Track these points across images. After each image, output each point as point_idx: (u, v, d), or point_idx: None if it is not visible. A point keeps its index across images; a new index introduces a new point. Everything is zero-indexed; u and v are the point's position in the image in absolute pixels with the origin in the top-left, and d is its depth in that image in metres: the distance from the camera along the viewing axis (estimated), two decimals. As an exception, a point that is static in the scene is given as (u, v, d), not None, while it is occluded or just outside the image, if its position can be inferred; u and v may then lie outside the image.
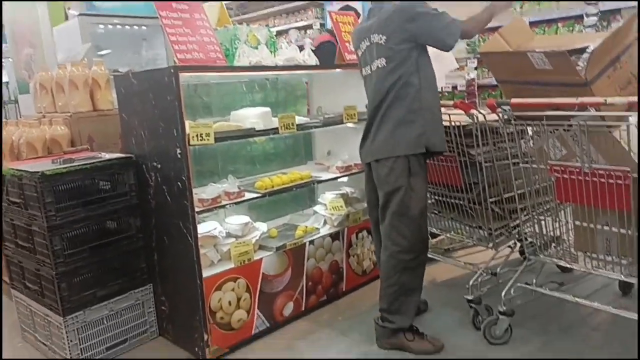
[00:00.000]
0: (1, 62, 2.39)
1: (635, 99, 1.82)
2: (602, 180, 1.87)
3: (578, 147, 1.94)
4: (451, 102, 2.35)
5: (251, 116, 2.60)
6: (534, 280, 2.26)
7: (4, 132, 2.96)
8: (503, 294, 2.24)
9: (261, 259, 2.47)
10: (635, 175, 1.80)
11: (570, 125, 1.92)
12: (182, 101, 2.17)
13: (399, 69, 2.14)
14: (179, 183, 2.25)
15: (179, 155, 2.21)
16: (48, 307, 2.32)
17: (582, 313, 2.45)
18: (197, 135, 2.24)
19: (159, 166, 2.37)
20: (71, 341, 2.24)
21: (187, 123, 2.23)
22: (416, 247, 2.22)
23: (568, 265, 2.16)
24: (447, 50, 2.15)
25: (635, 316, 1.88)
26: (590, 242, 2.06)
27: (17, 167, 2.35)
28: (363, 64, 2.32)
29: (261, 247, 2.57)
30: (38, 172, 2.16)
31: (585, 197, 1.93)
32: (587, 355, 2.16)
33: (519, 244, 2.62)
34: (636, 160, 1.81)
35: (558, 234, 2.19)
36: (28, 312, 2.53)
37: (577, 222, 2.07)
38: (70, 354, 2.24)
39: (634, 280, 1.95)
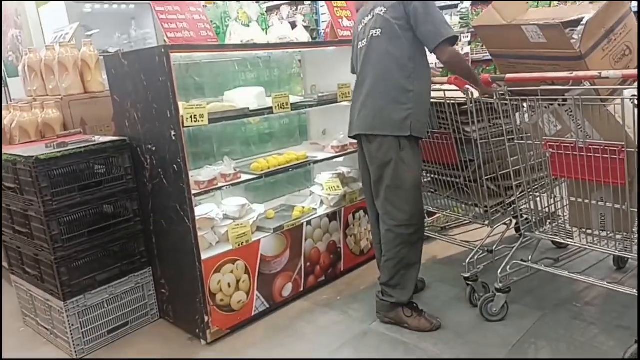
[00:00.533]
0: (2, 58, 2.40)
1: (630, 71, 1.86)
2: (597, 155, 1.91)
3: (573, 122, 1.97)
4: (445, 79, 2.37)
5: (245, 96, 2.63)
6: (530, 257, 2.32)
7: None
8: (499, 271, 2.31)
9: (259, 240, 2.53)
10: (631, 149, 1.84)
11: (565, 100, 1.94)
12: (175, 82, 2.19)
13: (394, 44, 2.17)
14: (174, 166, 2.28)
15: (173, 138, 2.24)
16: (48, 292, 2.38)
17: (577, 288, 2.53)
18: (191, 117, 2.27)
19: (154, 149, 2.40)
20: (72, 325, 2.31)
21: (180, 104, 2.25)
22: (414, 220, 2.27)
23: (563, 242, 2.21)
24: (430, 48, 2.14)
25: (632, 291, 1.94)
26: (585, 217, 2.11)
27: (11, 151, 2.39)
28: (360, 37, 2.33)
29: (259, 229, 2.63)
30: (32, 156, 2.19)
31: (580, 172, 1.98)
32: (581, 329, 2.24)
33: (514, 221, 2.68)
34: (631, 135, 1.84)
35: (553, 210, 2.24)
36: (28, 297, 2.60)
37: (572, 198, 2.11)
38: (72, 337, 2.32)
39: (629, 255, 2.01)
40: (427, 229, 3.08)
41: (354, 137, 2.39)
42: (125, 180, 2.50)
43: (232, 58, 2.99)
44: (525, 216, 2.38)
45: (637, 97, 1.72)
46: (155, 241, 2.56)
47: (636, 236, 1.98)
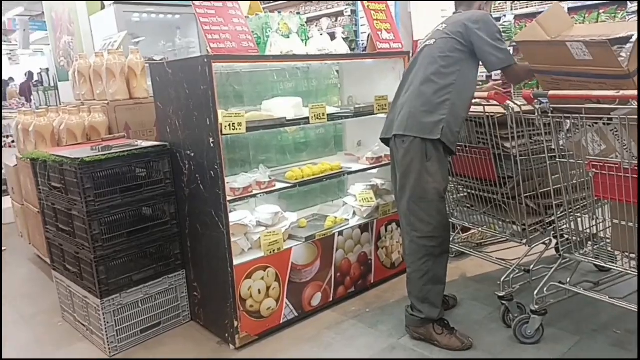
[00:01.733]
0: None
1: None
2: (643, 177, 1.84)
3: (618, 142, 1.90)
4: (486, 94, 2.34)
5: (282, 106, 2.67)
6: (568, 279, 2.24)
7: (45, 119, 3.13)
8: (536, 292, 2.24)
9: (290, 248, 2.55)
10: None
11: (611, 119, 1.88)
12: (215, 91, 2.25)
13: (443, 53, 2.22)
14: (211, 172, 2.33)
15: (212, 145, 2.29)
16: (87, 289, 2.47)
17: (617, 314, 2.42)
18: (229, 125, 2.32)
19: (193, 155, 2.46)
20: (108, 322, 2.39)
21: (219, 112, 2.30)
22: (437, 232, 2.24)
23: (605, 265, 2.13)
24: (490, 67, 2.26)
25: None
26: (628, 241, 2.02)
27: (58, 153, 2.50)
28: (418, 51, 2.40)
29: (291, 237, 2.65)
30: (78, 158, 2.29)
31: (625, 194, 1.91)
32: (619, 356, 2.15)
33: (554, 241, 2.60)
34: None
35: (595, 231, 2.16)
36: (68, 293, 2.70)
37: (615, 221, 2.04)
38: (106, 334, 2.39)
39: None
40: (461, 244, 3.05)
41: (386, 142, 2.39)
42: (164, 184, 2.57)
43: (272, 68, 3.04)
44: (565, 237, 2.30)
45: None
46: (189, 244, 2.61)
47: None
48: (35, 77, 7.44)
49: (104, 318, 2.37)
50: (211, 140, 2.30)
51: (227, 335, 2.43)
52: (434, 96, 2.19)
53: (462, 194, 2.78)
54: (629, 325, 2.37)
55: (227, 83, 2.90)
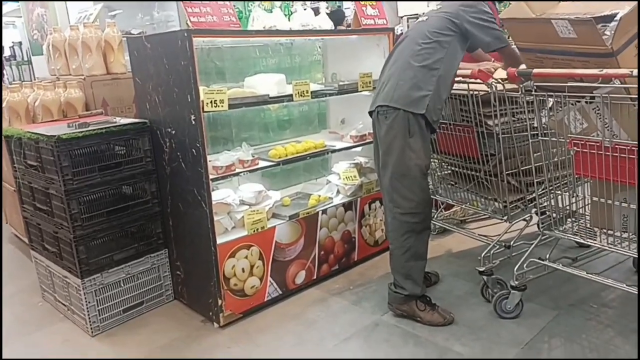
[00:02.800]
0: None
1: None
2: (623, 155, 1.86)
3: (600, 120, 1.92)
4: (468, 71, 2.33)
5: (265, 83, 2.62)
6: (547, 256, 2.28)
7: (19, 95, 3.02)
8: (515, 268, 2.28)
9: (274, 227, 2.54)
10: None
11: (593, 98, 1.89)
12: (196, 66, 2.19)
13: (435, 29, 2.23)
14: (193, 150, 2.29)
15: (193, 122, 2.25)
16: (67, 269, 2.43)
17: (595, 289, 2.49)
18: (211, 102, 2.27)
19: (174, 132, 2.41)
20: (89, 302, 2.36)
21: (201, 89, 2.25)
22: (419, 208, 2.25)
23: (583, 241, 2.17)
24: (486, 48, 2.30)
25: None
26: (607, 218, 2.06)
27: (34, 130, 2.42)
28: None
29: (274, 216, 2.64)
30: (54, 136, 2.22)
31: (605, 172, 1.93)
32: (596, 331, 2.21)
33: (535, 218, 2.64)
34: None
35: (575, 209, 2.20)
36: (47, 273, 2.66)
37: (595, 198, 2.07)
38: (88, 314, 2.37)
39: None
40: (444, 221, 3.08)
41: (371, 115, 2.38)
42: (144, 163, 2.52)
43: (254, 43, 2.97)
44: (545, 214, 2.34)
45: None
46: (172, 223, 2.58)
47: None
48: (7, 51, 7.18)
49: (85, 298, 2.35)
50: (192, 117, 2.25)
51: (211, 313, 2.43)
52: (421, 71, 2.19)
53: (446, 172, 2.79)
54: (604, 299, 2.44)
55: (209, 58, 2.83)
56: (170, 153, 2.47)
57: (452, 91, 2.46)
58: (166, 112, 2.44)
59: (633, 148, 1.83)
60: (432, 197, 2.84)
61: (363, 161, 3.01)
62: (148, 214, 2.55)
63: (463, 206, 2.85)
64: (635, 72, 1.73)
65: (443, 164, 2.78)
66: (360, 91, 2.91)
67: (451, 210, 3.27)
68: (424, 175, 2.27)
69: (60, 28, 3.32)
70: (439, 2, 2.45)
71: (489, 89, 2.28)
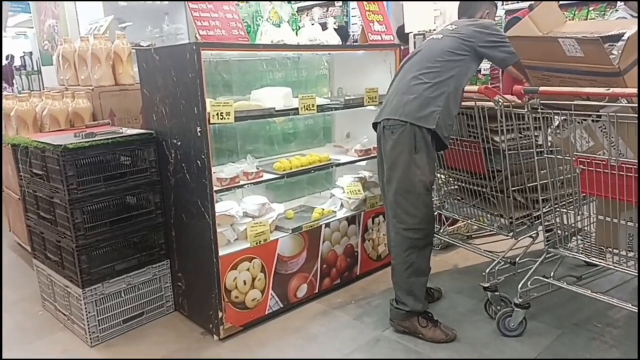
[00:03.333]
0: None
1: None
2: (629, 174, 1.84)
3: (606, 139, 1.90)
4: (476, 88, 2.32)
5: (272, 96, 2.61)
6: (552, 273, 2.24)
7: (27, 104, 3.03)
8: (520, 286, 2.24)
9: (277, 240, 2.51)
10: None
11: (600, 116, 1.87)
12: (204, 79, 2.19)
13: (448, 48, 2.24)
14: (198, 161, 2.28)
15: (199, 134, 2.24)
16: (68, 279, 2.41)
17: (599, 308, 2.44)
18: (217, 114, 2.26)
19: (179, 143, 2.40)
20: (89, 312, 2.33)
21: (207, 101, 2.24)
22: (422, 224, 2.23)
23: (588, 260, 2.13)
24: (503, 64, 2.31)
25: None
26: (612, 237, 2.03)
27: (40, 139, 2.41)
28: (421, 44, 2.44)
29: (277, 228, 2.61)
30: (61, 145, 2.21)
31: (611, 191, 1.90)
32: (600, 351, 2.16)
33: (541, 235, 2.60)
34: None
35: (580, 227, 2.17)
36: (48, 281, 2.63)
37: (601, 217, 2.04)
38: (88, 324, 2.33)
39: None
40: (449, 236, 3.04)
41: (376, 128, 2.36)
42: (149, 173, 2.51)
43: (261, 57, 2.98)
44: (551, 231, 2.31)
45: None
46: (174, 234, 2.56)
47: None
48: (18, 61, 7.23)
49: (86, 308, 2.31)
50: (198, 129, 2.24)
51: (211, 326, 2.39)
52: (432, 87, 2.19)
53: (453, 187, 2.77)
54: (609, 319, 2.39)
55: (216, 71, 2.83)
56: (175, 164, 2.46)
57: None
58: (172, 123, 2.43)
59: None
60: (438, 212, 2.82)
61: (367, 175, 2.99)
62: (151, 224, 2.53)
63: (469, 222, 2.82)
64: (642, 91, 1.71)
65: (450, 179, 2.76)
66: (366, 106, 2.90)
67: (455, 226, 3.23)
68: (428, 191, 2.25)
69: (70, 39, 3.33)
70: (452, 22, 2.44)
71: (495, 105, 2.27)
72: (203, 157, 2.25)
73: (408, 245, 2.24)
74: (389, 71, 3.01)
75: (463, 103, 2.34)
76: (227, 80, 2.89)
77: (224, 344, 2.33)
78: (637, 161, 1.82)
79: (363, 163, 3.01)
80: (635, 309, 1.94)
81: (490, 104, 2.30)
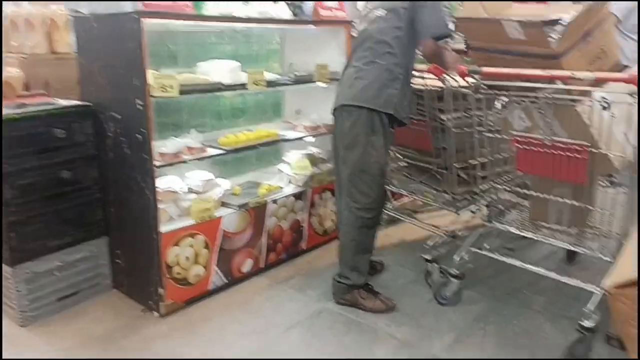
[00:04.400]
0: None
1: (604, 74, 1.75)
2: (562, 153, 1.82)
3: (542, 119, 1.86)
4: (425, 66, 2.24)
5: (219, 70, 2.42)
6: (486, 246, 2.24)
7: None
8: (455, 257, 2.23)
9: (222, 216, 2.36)
10: (594, 150, 1.76)
11: (537, 98, 1.83)
12: (145, 50, 1.99)
13: (395, 26, 2.09)
14: (138, 135, 2.09)
15: (139, 107, 2.05)
16: (-3, 256, 2.16)
17: (529, 278, 2.45)
18: (160, 87, 2.07)
19: (119, 117, 2.19)
20: (20, 291, 2.10)
21: (149, 73, 2.05)
22: (375, 204, 2.18)
23: (519, 233, 2.13)
24: (425, 30, 2.06)
25: (579, 284, 1.92)
26: (544, 212, 2.03)
27: (-37, 109, 2.12)
28: (364, 18, 2.24)
29: (223, 204, 2.45)
30: (-13, 116, 1.95)
31: (544, 169, 1.89)
32: (528, 317, 2.19)
33: (483, 209, 2.60)
34: (596, 136, 1.75)
35: (515, 202, 2.16)
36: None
37: (534, 193, 2.03)
38: (18, 304, 2.11)
39: (580, 250, 1.96)
40: (395, 211, 3.00)
41: (334, 112, 2.24)
42: (86, 147, 2.27)
43: (210, 29, 2.75)
44: (489, 206, 2.30)
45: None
46: (113, 211, 2.35)
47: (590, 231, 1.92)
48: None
49: (16, 287, 2.09)
50: (139, 102, 2.05)
51: (151, 302, 2.22)
52: (386, 71, 2.08)
53: (402, 163, 2.72)
54: (537, 287, 2.42)
55: (161, 42, 2.58)
56: (114, 138, 2.24)
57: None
58: (112, 95, 2.21)
59: (571, 147, 1.79)
60: (386, 187, 2.76)
61: (315, 152, 2.87)
62: (88, 200, 2.30)
63: (415, 197, 2.78)
64: (578, 74, 1.68)
65: (399, 156, 2.69)
66: (317, 82, 2.76)
67: (399, 201, 3.19)
68: (383, 173, 2.18)
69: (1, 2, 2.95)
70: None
71: (442, 85, 2.19)
72: (143, 131, 2.06)
73: (360, 224, 2.18)
74: (340, 47, 2.87)
75: (413, 81, 2.25)
76: (173, 51, 2.64)
77: (165, 320, 2.18)
78: (569, 141, 1.80)
79: (312, 139, 2.88)
80: (560, 278, 1.97)
81: (439, 83, 2.22)
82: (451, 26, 2.12)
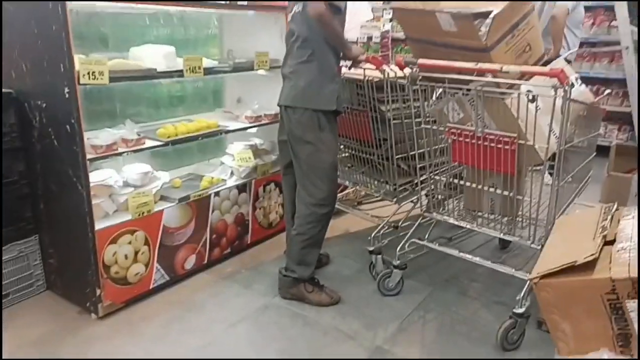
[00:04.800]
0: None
1: (529, 68, 1.94)
2: (492, 144, 2.00)
3: (474, 111, 2.03)
4: (364, 57, 2.35)
5: (153, 55, 2.42)
6: (426, 236, 2.42)
7: None
8: (397, 248, 2.38)
9: (162, 210, 2.39)
10: (522, 142, 1.94)
11: (469, 90, 1.99)
12: (71, 33, 1.96)
13: (314, 32, 2.16)
14: (67, 126, 2.06)
15: (67, 95, 2.02)
16: None
17: (465, 266, 2.66)
18: (88, 74, 2.04)
19: (44, 105, 2.16)
20: (-60, 296, 2.05)
21: (76, 58, 2.02)
22: (328, 200, 2.29)
23: (457, 223, 2.32)
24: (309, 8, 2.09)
25: (510, 271, 2.12)
26: (477, 201, 2.22)
27: None
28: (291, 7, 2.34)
29: (162, 198, 2.48)
30: None
31: (477, 159, 2.06)
32: (465, 304, 2.40)
33: (423, 200, 2.77)
34: (523, 128, 1.94)
35: (450, 193, 2.34)
36: None
37: (468, 183, 2.21)
38: (-61, 310, 2.06)
39: (511, 238, 2.16)
40: (339, 203, 3.13)
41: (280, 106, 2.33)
42: (9, 139, 2.23)
43: (142, 11, 2.72)
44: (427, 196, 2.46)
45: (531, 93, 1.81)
46: (44, 207, 2.32)
47: (518, 220, 2.12)
48: None
49: None
50: (66, 90, 2.02)
51: (88, 304, 2.23)
52: (318, 68, 2.18)
53: (344, 154, 2.84)
54: (473, 275, 2.65)
55: (89, 23, 2.53)
56: (40, 129, 2.20)
57: (350, 76, 2.50)
58: (35, 82, 2.17)
59: (501, 138, 1.97)
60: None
61: (258, 143, 2.94)
62: (15, 196, 2.26)
63: (357, 188, 2.91)
64: (505, 67, 1.84)
65: (341, 147, 2.81)
66: (257, 70, 2.81)
67: (344, 192, 3.33)
68: (335, 167, 2.30)
69: None
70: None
71: (382, 75, 2.32)
72: (73, 121, 2.04)
73: (313, 219, 2.28)
74: (280, 33, 2.92)
75: (353, 72, 2.37)
76: (103, 34, 2.60)
77: (104, 322, 2.20)
78: (499, 132, 1.98)
79: (254, 130, 2.94)
80: (493, 266, 2.17)
81: (378, 74, 2.34)
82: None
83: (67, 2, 1.94)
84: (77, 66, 2.01)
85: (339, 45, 2.23)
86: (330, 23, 2.10)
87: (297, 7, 2.25)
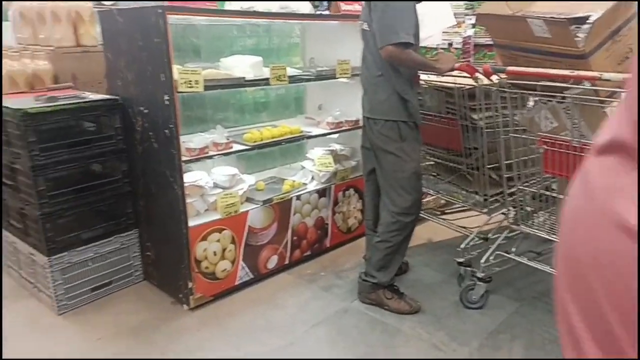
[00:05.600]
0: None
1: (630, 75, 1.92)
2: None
3: (569, 120, 2.03)
4: (457, 65, 2.40)
5: (242, 65, 2.65)
6: (514, 249, 2.42)
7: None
8: (482, 260, 2.41)
9: (247, 211, 2.61)
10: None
11: (564, 98, 2.00)
12: (171, 45, 2.21)
13: (377, 56, 2.25)
14: (166, 131, 2.33)
15: (166, 102, 2.28)
16: (32, 246, 2.46)
17: (557, 282, 2.64)
18: (185, 82, 2.29)
19: (146, 111, 2.44)
20: (56, 280, 2.40)
21: (175, 68, 2.26)
22: (413, 209, 2.39)
23: (547, 237, 2.31)
24: (377, 41, 2.19)
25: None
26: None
27: (-2, 102, 2.41)
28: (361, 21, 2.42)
29: (248, 200, 2.71)
30: (21, 109, 2.23)
31: (572, 171, 2.05)
32: (555, 322, 2.36)
33: (512, 211, 2.76)
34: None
35: (542, 205, 2.33)
36: (12, 249, 2.67)
37: (562, 196, 2.19)
38: (55, 292, 2.41)
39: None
40: (422, 211, 3.19)
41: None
42: (115, 141, 2.54)
43: (232, 23, 2.99)
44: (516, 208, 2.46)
45: None
46: (143, 204, 2.63)
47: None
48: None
49: (52, 276, 2.39)
50: (166, 97, 2.28)
51: (180, 295, 2.50)
52: (396, 82, 2.26)
53: (429, 163, 2.89)
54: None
55: (185, 35, 2.84)
56: (142, 132, 2.50)
57: (439, 83, 2.56)
58: (139, 90, 2.46)
59: (598, 149, 1.95)
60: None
61: (338, 148, 3.09)
62: (118, 193, 2.59)
63: (443, 198, 2.95)
64: (605, 75, 1.84)
65: (426, 155, 2.88)
66: (338, 78, 2.97)
67: (425, 200, 3.38)
68: (418, 176, 2.39)
69: (27, -6, 3.24)
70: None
71: (475, 83, 2.37)
72: (171, 126, 2.29)
73: (397, 227, 2.39)
74: (361, 42, 3.04)
75: (442, 79, 2.43)
76: (196, 45, 2.90)
77: (194, 313, 2.46)
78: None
79: (335, 136, 3.10)
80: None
81: (470, 81, 2.39)
82: (409, 29, 2.15)
83: (169, 17, 2.20)
84: (175, 75, 2.27)
85: (424, 71, 2.34)
86: (405, 60, 2.18)
87: (362, 25, 2.36)
